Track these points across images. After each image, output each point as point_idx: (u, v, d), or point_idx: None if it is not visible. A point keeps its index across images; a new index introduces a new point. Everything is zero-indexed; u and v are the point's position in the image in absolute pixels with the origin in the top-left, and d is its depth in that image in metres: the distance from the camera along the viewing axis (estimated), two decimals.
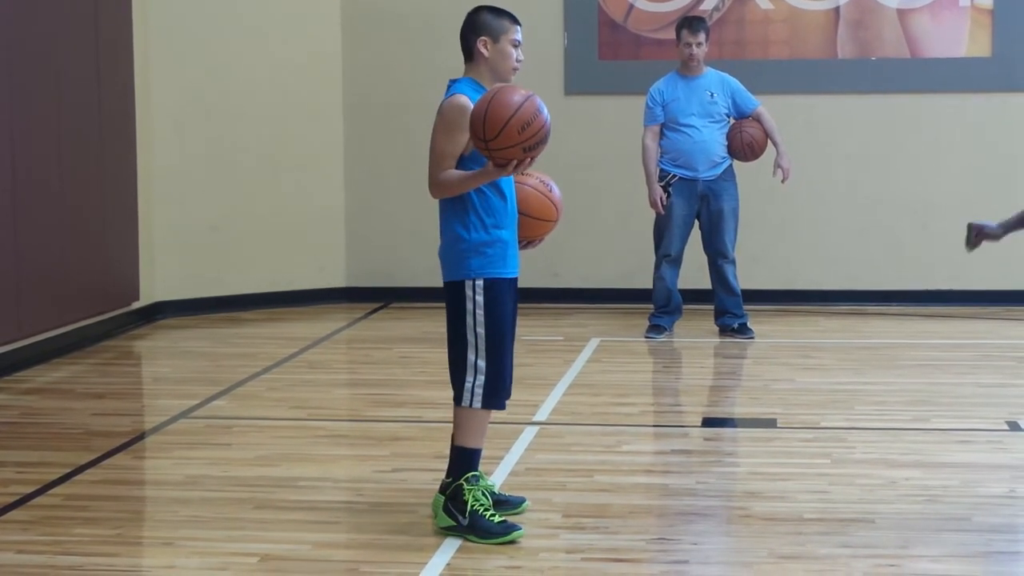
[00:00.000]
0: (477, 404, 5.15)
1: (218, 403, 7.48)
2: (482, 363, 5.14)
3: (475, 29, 5.19)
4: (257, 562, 4.84)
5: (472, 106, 4.97)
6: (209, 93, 10.38)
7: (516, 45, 5.21)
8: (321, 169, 10.94)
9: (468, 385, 5.15)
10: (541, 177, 5.46)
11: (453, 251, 5.20)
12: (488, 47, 5.17)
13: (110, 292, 9.53)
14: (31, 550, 4.99)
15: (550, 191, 5.43)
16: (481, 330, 5.15)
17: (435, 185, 5.13)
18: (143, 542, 5.25)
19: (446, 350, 5.24)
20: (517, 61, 5.21)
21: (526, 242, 5.43)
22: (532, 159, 4.95)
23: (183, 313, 10.34)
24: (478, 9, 5.26)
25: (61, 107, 8.82)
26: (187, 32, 10.29)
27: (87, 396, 7.75)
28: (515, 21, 5.24)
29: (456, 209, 5.17)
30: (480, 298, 5.15)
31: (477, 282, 5.15)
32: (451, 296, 5.26)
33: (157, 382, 8.54)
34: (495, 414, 5.32)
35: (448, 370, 5.26)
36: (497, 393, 5.20)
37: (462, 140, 5.05)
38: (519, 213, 5.30)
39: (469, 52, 5.21)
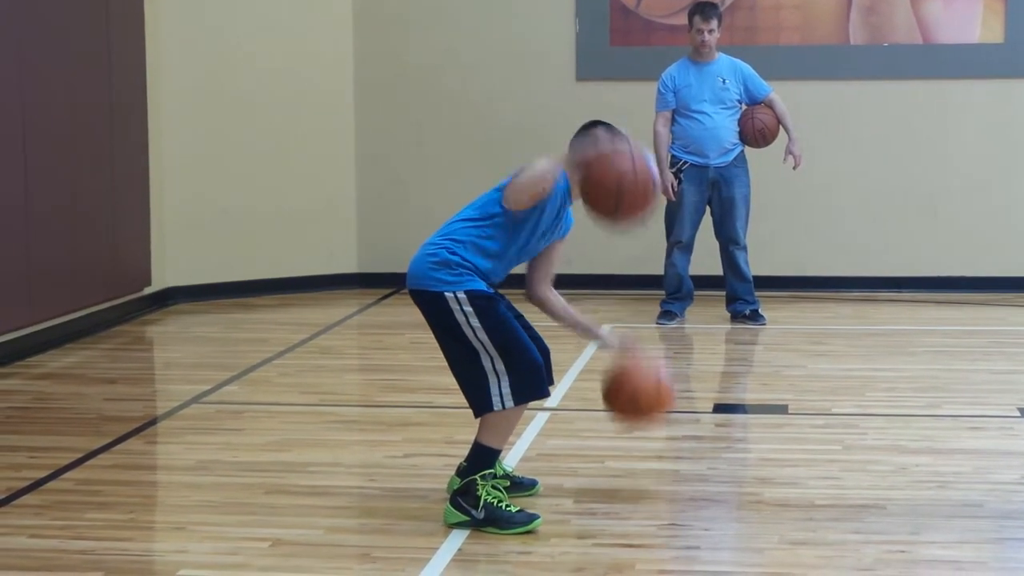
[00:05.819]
0: (510, 404, 4.96)
1: (230, 388, 7.49)
2: (501, 366, 4.93)
3: (584, 142, 4.99)
4: (268, 547, 4.85)
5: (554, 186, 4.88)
6: (221, 79, 10.38)
7: None
8: (332, 155, 10.94)
9: (494, 390, 4.93)
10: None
11: (426, 262, 4.98)
12: None
13: (122, 278, 9.55)
14: (44, 535, 5.00)
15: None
16: (484, 336, 4.92)
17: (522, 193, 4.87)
18: (155, 527, 5.26)
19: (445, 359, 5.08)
20: None
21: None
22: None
23: (195, 299, 10.35)
24: (595, 123, 5.08)
25: (72, 93, 8.83)
26: (199, 18, 10.29)
27: (99, 381, 7.76)
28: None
29: (460, 236, 4.97)
30: (468, 308, 4.91)
31: (459, 294, 4.94)
32: (430, 307, 4.99)
33: (169, 367, 8.56)
34: None
35: (459, 384, 5.07)
36: (531, 385, 4.98)
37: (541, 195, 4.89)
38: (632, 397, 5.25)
39: (571, 157, 4.98)
